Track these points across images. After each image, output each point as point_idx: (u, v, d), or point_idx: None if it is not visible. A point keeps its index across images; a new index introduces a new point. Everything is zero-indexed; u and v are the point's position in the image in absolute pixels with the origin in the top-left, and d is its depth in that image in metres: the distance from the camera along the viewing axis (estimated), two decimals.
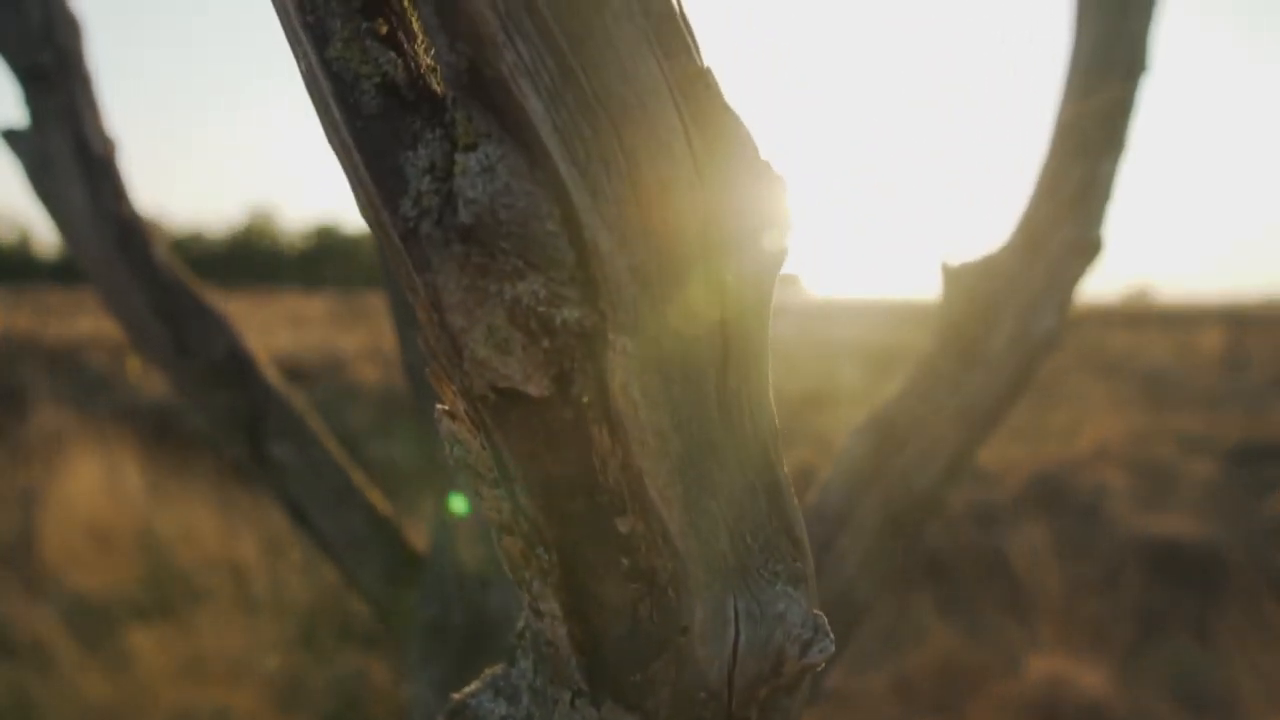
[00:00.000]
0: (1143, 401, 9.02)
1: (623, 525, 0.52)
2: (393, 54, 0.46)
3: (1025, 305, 1.33)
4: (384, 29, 0.46)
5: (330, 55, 0.46)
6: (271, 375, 1.41)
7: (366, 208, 0.49)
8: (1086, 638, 4.11)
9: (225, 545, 4.85)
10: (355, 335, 13.89)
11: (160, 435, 6.59)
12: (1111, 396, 8.97)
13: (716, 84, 0.48)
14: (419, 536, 1.50)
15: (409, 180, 0.46)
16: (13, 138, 1.33)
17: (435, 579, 1.35)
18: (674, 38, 0.46)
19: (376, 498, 1.46)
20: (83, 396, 7.87)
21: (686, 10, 0.48)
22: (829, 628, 0.58)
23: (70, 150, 1.31)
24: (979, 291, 1.35)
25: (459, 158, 0.45)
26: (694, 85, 0.47)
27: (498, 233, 0.45)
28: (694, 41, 0.48)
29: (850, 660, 3.73)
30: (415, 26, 0.48)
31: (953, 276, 1.38)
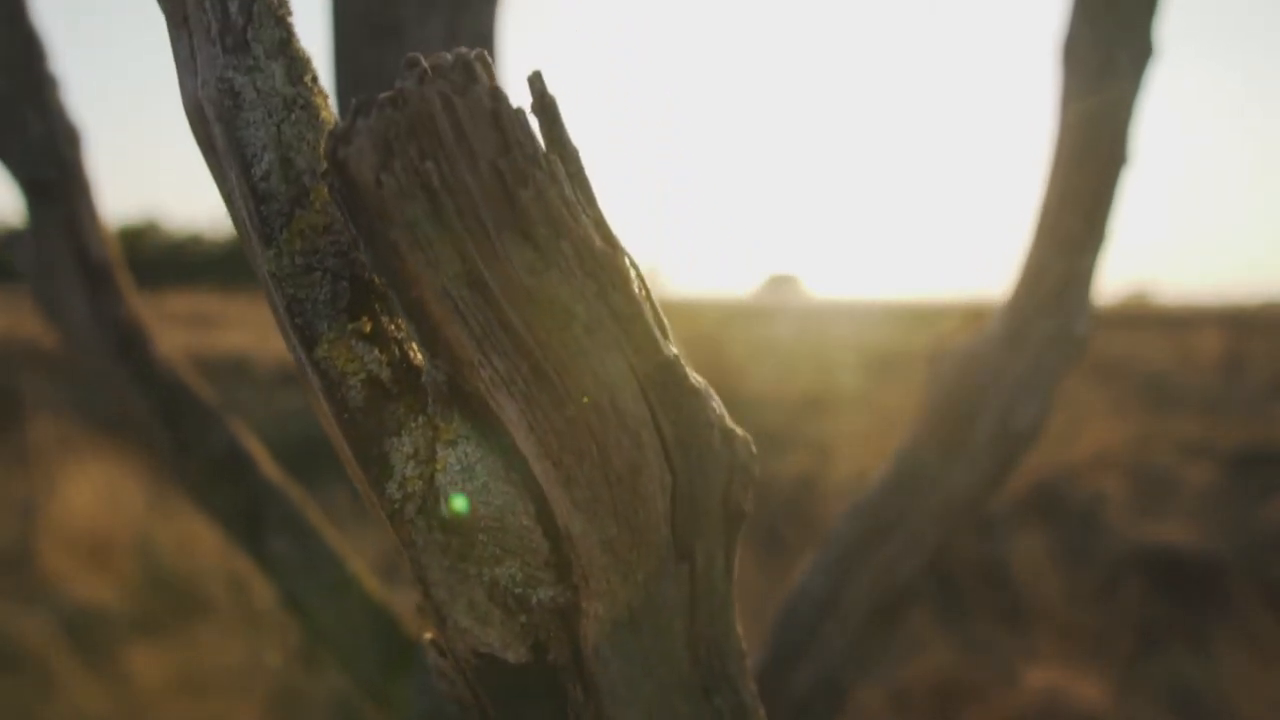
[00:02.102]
0: (1142, 406, 9.00)
1: None
2: (376, 352, 0.48)
3: (1007, 399, 1.34)
4: (368, 327, 0.48)
5: (318, 356, 0.47)
6: (270, 471, 1.43)
7: (356, 480, 0.50)
8: (1084, 649, 4.11)
9: (225, 556, 4.85)
10: None
11: None
12: (1110, 400, 8.95)
13: (682, 369, 0.50)
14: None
15: (394, 466, 0.48)
16: (15, 245, 1.35)
17: (429, 669, 1.36)
18: (641, 335, 0.48)
19: (373, 586, 1.47)
20: (82, 403, 7.87)
21: (655, 300, 0.49)
22: None
23: (71, 258, 1.33)
24: (962, 383, 1.36)
25: (441, 452, 0.47)
26: (661, 374, 0.48)
27: (477, 526, 0.47)
28: (662, 330, 0.49)
29: None
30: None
31: (936, 366, 1.39)
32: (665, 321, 0.50)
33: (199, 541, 4.97)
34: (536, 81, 0.46)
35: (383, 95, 0.42)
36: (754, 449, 0.54)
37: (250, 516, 1.40)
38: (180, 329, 10.95)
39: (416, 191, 0.41)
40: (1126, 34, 1.33)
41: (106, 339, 1.33)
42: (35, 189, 1.32)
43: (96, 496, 5.33)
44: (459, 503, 0.49)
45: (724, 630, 0.57)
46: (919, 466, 1.35)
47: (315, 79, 0.50)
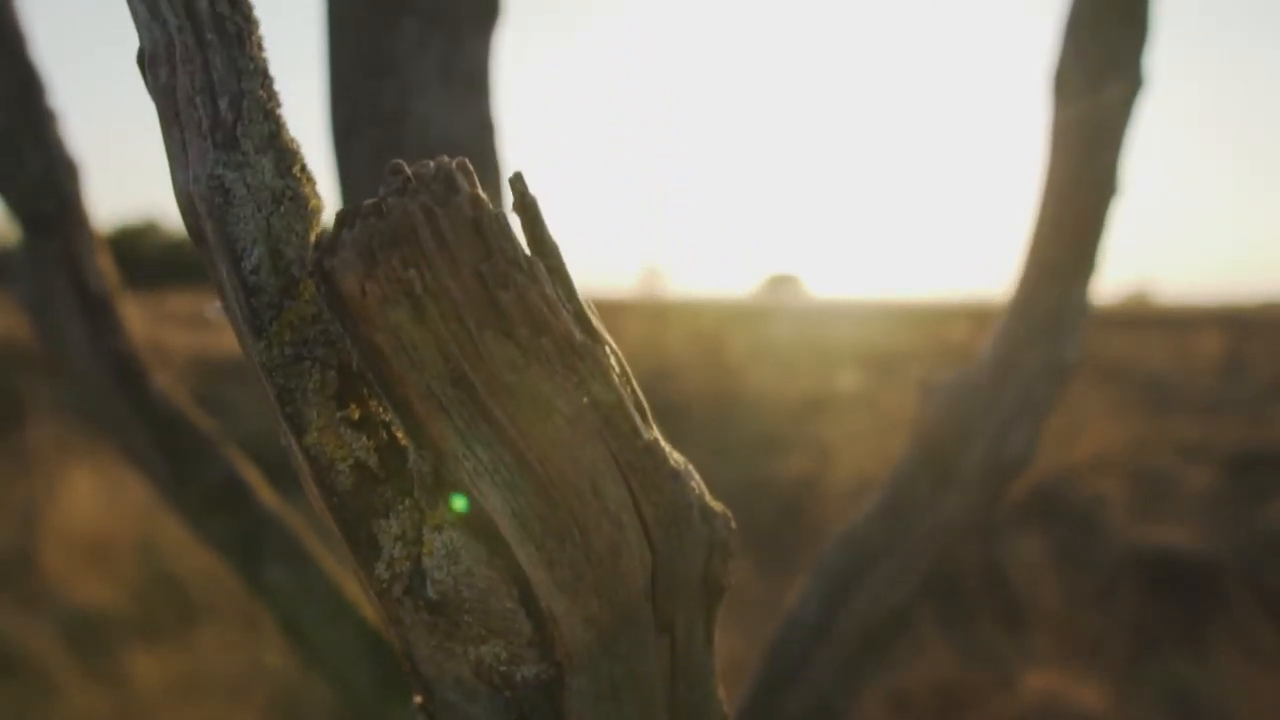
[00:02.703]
0: (1141, 407, 8.99)
1: None
2: (364, 438, 0.49)
3: (998, 427, 1.35)
4: (356, 414, 0.49)
5: (307, 443, 0.48)
6: (268, 498, 1.45)
7: (347, 558, 0.51)
8: (1083, 653, 4.12)
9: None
10: None
11: None
12: (1109, 402, 8.94)
13: (662, 453, 0.51)
14: None
15: (382, 546, 0.49)
16: (14, 276, 1.37)
17: None
18: (622, 421, 0.49)
19: (368, 611, 1.49)
20: (82, 406, 7.86)
21: (635, 385, 0.50)
22: None
23: (70, 290, 1.35)
24: (954, 410, 1.37)
25: (428, 536, 0.48)
26: (641, 459, 0.50)
27: (461, 608, 0.48)
28: (642, 414, 0.51)
29: None
30: None
31: (929, 393, 1.40)
32: (645, 405, 0.52)
33: (199, 545, 4.97)
34: (518, 183, 0.47)
35: (366, 203, 0.43)
36: (733, 524, 0.56)
37: (247, 544, 1.41)
38: (180, 329, 10.95)
39: (400, 298, 0.43)
40: (1116, 64, 1.34)
41: (105, 369, 1.35)
42: (34, 222, 1.34)
43: (96, 499, 5.33)
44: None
45: (705, 696, 0.58)
46: (909, 494, 1.36)
47: (304, 168, 0.51)
